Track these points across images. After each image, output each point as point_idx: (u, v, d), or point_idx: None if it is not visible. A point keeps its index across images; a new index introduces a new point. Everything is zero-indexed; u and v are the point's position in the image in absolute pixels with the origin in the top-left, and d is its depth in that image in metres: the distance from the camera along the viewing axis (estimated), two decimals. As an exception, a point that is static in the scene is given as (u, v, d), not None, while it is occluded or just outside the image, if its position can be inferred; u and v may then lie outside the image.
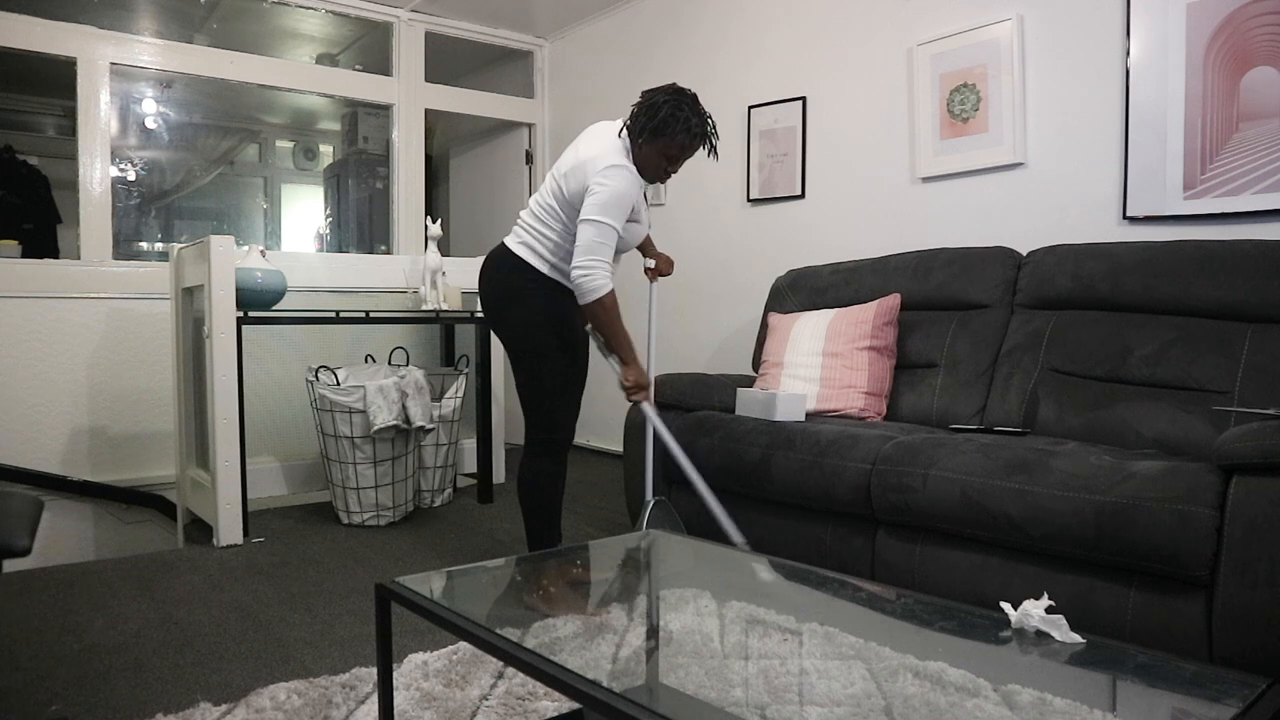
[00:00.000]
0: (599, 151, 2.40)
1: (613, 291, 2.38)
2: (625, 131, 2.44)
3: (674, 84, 2.45)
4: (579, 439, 4.92)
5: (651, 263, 2.86)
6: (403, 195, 4.93)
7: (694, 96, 2.44)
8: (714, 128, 2.46)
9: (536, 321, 2.48)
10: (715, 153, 2.48)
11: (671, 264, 2.87)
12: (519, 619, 1.44)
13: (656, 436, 2.68)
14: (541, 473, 2.54)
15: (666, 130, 2.37)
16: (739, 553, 2.01)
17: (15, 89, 6.17)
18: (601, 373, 4.21)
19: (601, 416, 4.72)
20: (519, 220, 2.57)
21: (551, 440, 2.54)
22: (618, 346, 2.46)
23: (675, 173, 2.52)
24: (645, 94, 2.44)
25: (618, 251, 2.49)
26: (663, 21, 4.47)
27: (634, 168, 2.41)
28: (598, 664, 1.27)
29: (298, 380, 3.93)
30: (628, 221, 2.43)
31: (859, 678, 1.21)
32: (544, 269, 2.47)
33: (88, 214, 3.96)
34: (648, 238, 2.82)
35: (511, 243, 2.54)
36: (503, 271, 2.53)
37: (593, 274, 2.34)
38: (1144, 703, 1.21)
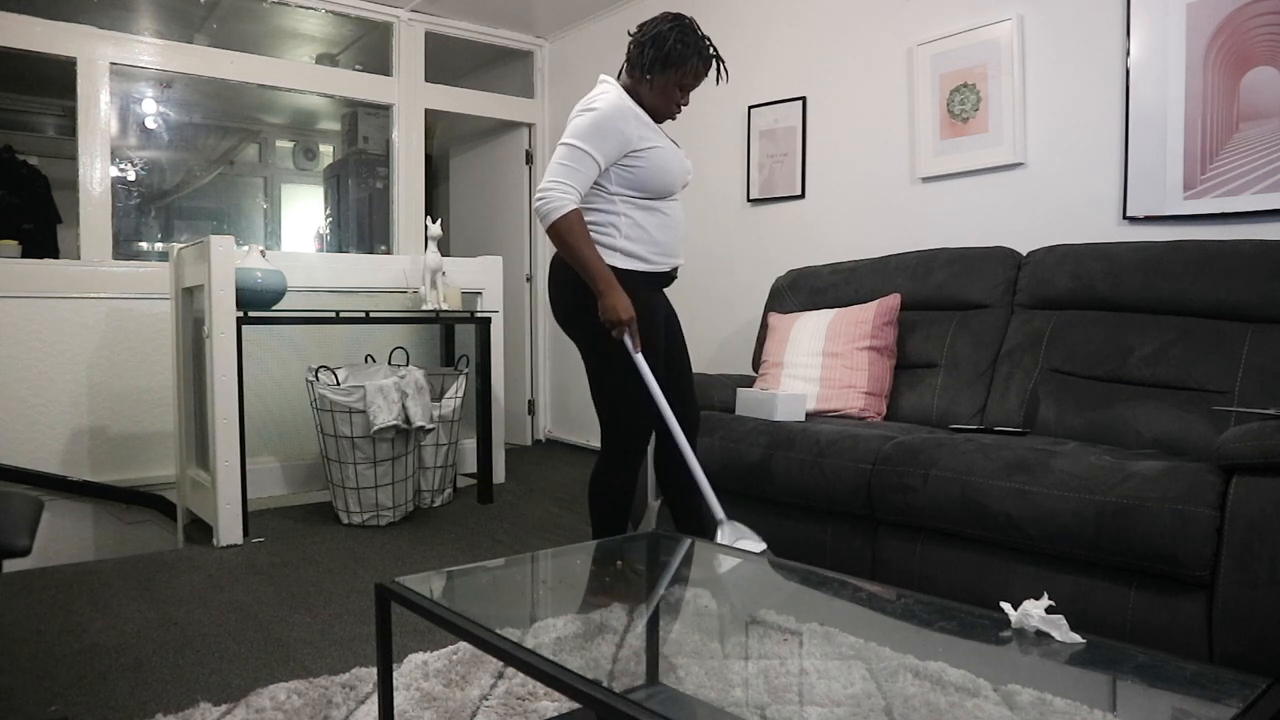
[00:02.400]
0: (590, 93, 2.31)
1: (575, 213, 2.16)
2: (624, 72, 2.33)
3: (668, 11, 2.32)
4: (580, 439, 4.92)
5: None
6: (403, 195, 4.93)
7: (694, 21, 2.32)
8: (717, 50, 2.34)
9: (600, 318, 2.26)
10: (726, 74, 2.36)
11: None
12: (519, 619, 1.44)
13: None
14: (614, 488, 2.36)
15: (679, 58, 2.24)
16: (738, 553, 2.01)
17: (15, 89, 6.17)
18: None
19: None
20: None
21: (627, 448, 2.34)
22: (586, 274, 2.19)
23: (686, 105, 2.37)
24: (642, 26, 2.30)
25: (663, 189, 2.31)
26: (663, 21, 4.47)
27: (625, 94, 2.28)
28: (598, 664, 1.27)
29: (298, 380, 3.93)
30: (644, 150, 2.25)
31: (859, 678, 1.21)
32: (606, 257, 2.25)
33: (88, 214, 3.96)
34: None
35: None
36: (564, 269, 2.31)
37: (547, 195, 2.16)
38: (1144, 703, 1.21)
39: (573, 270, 2.25)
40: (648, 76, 2.27)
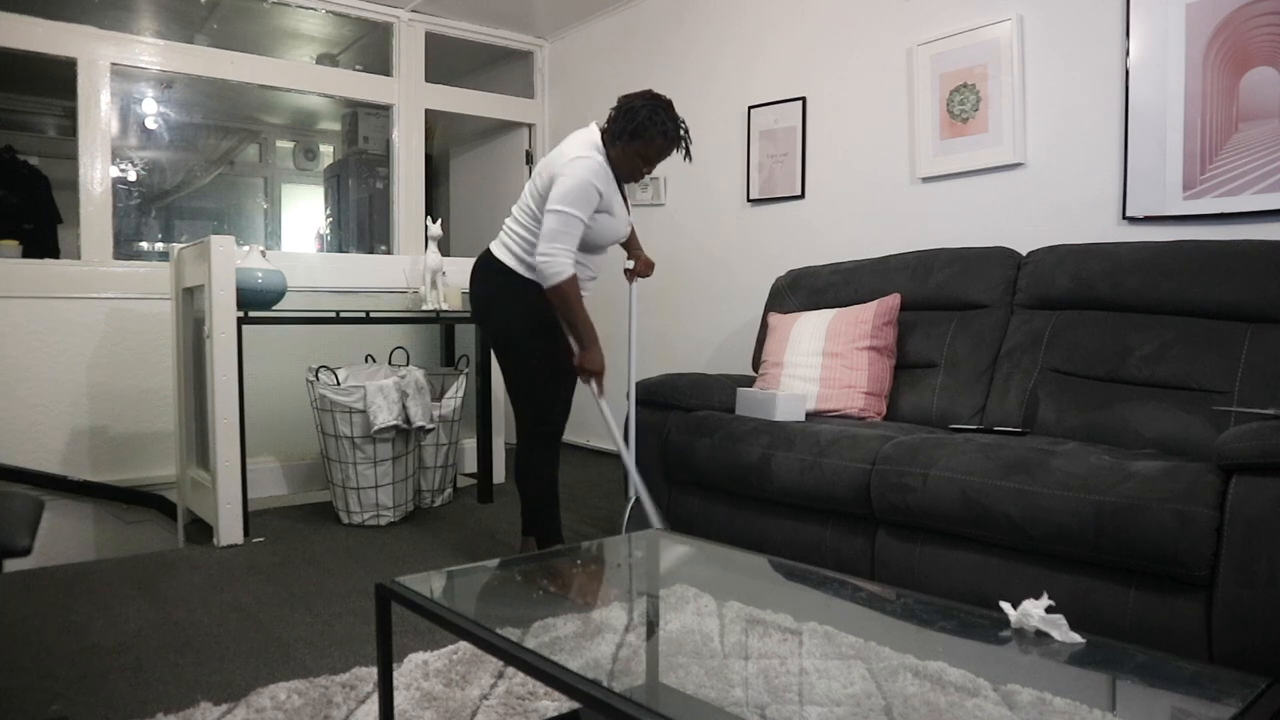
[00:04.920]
0: (568, 147, 2.55)
1: (573, 277, 2.47)
2: (603, 133, 2.58)
3: (650, 90, 2.59)
4: (580, 439, 4.92)
5: (631, 263, 2.88)
6: (403, 195, 4.93)
7: (669, 103, 2.58)
8: (687, 132, 2.60)
9: (517, 321, 2.61)
10: (689, 155, 2.61)
11: (651, 266, 2.89)
12: (519, 619, 1.44)
13: (629, 432, 2.89)
14: (534, 463, 2.69)
15: (644, 133, 2.51)
16: (741, 553, 2.01)
17: (15, 89, 6.17)
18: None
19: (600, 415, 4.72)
20: (503, 225, 2.69)
21: (540, 433, 2.67)
22: (575, 331, 2.55)
23: (649, 174, 2.65)
24: (623, 99, 2.58)
25: (595, 246, 2.61)
26: (663, 22, 4.47)
27: (603, 160, 2.53)
28: (598, 664, 1.27)
29: (298, 380, 3.93)
30: (598, 213, 2.52)
31: (859, 678, 1.21)
32: (521, 270, 2.59)
33: (88, 214, 3.96)
34: (633, 237, 2.86)
35: (494, 247, 2.69)
36: (485, 274, 2.68)
37: (552, 259, 2.45)
38: (1144, 703, 1.21)
39: (503, 278, 2.61)
40: (618, 142, 2.54)
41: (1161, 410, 2.25)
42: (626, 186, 2.72)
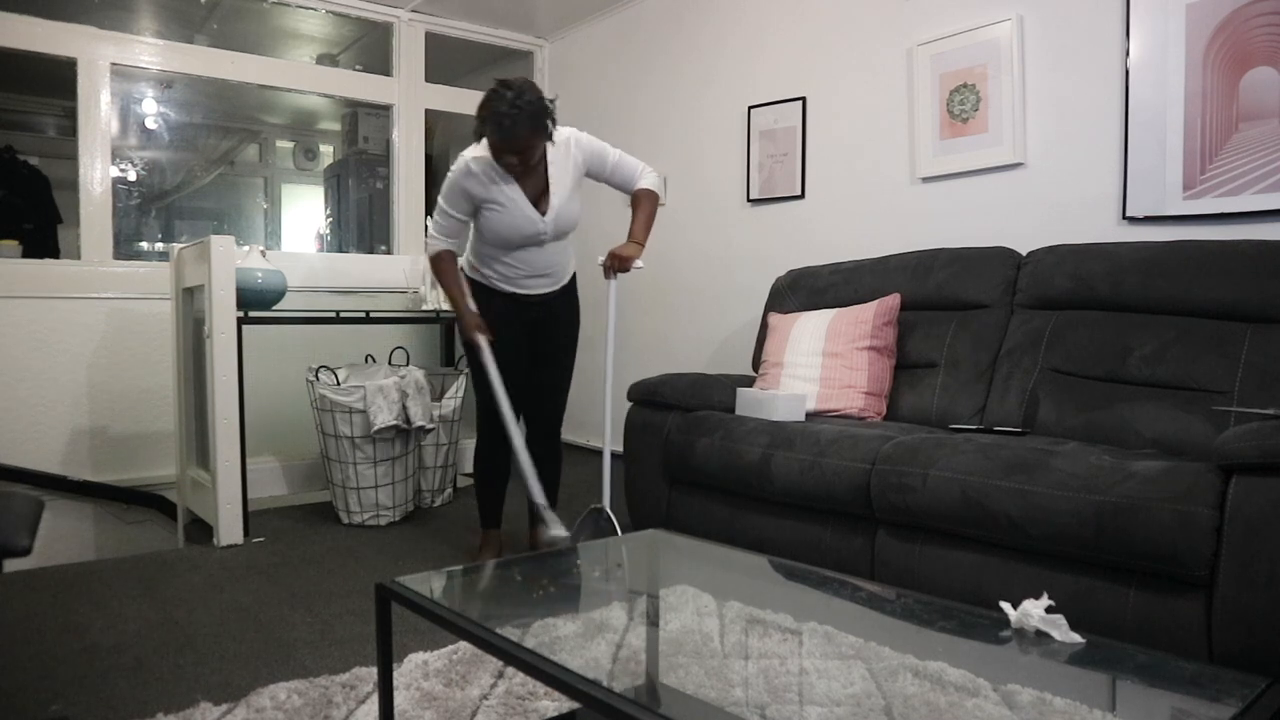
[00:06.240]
0: None
1: (439, 254, 2.75)
2: None
3: (508, 78, 2.50)
4: (580, 439, 4.92)
5: (602, 257, 2.72)
6: (403, 195, 4.93)
7: (520, 85, 2.46)
8: (542, 112, 2.47)
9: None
10: (550, 138, 2.57)
11: (623, 259, 2.67)
12: (519, 619, 1.44)
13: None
14: (480, 464, 2.91)
15: (481, 123, 2.50)
16: (741, 553, 2.01)
17: (15, 89, 6.17)
18: (598, 373, 4.21)
19: (602, 417, 4.72)
20: None
21: (483, 431, 2.87)
22: (448, 299, 2.79)
23: (518, 163, 2.53)
24: None
25: (502, 242, 2.69)
26: (663, 22, 4.47)
27: (484, 157, 2.59)
28: (597, 664, 1.27)
29: (298, 380, 3.93)
30: (486, 209, 2.64)
31: (859, 678, 1.21)
32: (467, 270, 2.85)
33: (88, 214, 3.96)
34: (636, 224, 2.77)
35: None
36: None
37: (427, 239, 2.82)
38: (1144, 703, 1.21)
39: (463, 276, 2.81)
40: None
41: (1161, 410, 2.25)
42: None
